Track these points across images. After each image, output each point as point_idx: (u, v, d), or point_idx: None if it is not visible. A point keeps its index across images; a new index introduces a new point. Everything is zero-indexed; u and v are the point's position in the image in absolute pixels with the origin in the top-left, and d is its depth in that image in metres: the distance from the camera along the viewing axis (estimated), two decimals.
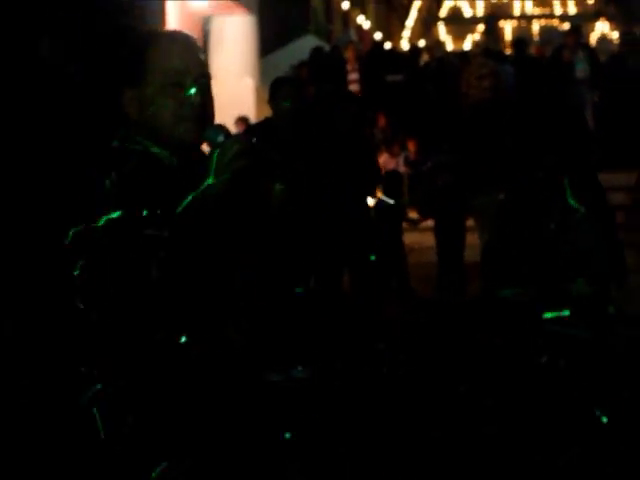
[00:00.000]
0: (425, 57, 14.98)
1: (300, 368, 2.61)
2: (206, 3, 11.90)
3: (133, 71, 2.31)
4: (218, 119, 2.44)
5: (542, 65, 13.24)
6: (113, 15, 9.71)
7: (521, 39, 15.33)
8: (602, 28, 26.66)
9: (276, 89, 6.12)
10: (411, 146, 10.24)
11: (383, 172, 10.12)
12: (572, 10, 27.66)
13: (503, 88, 6.95)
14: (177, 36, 2.37)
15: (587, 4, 27.32)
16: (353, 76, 13.50)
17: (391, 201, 7.89)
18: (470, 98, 6.49)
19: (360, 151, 6.48)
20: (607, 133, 11.34)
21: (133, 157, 2.25)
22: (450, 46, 26.49)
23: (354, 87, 12.99)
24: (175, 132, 2.29)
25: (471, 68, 6.70)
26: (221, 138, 2.28)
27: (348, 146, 6.36)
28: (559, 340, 3.82)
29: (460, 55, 15.09)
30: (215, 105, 2.41)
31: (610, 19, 26.13)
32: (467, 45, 28.27)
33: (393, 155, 10.39)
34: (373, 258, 6.44)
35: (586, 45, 14.40)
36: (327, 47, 15.43)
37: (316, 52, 14.02)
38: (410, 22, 28.85)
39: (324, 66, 13.55)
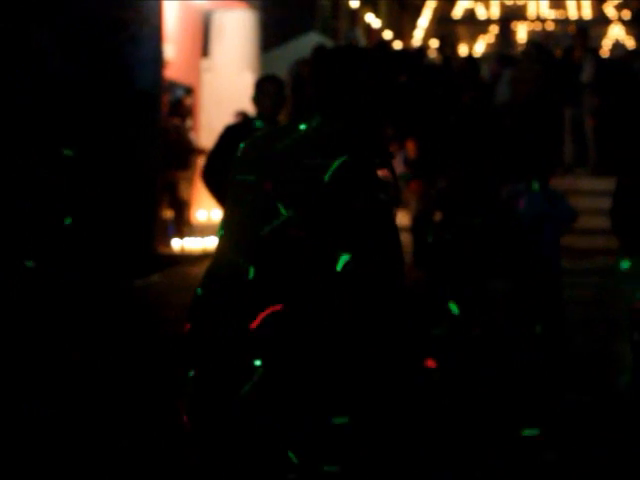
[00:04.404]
0: (435, 57, 15.35)
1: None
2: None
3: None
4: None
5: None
6: (111, 11, 10.32)
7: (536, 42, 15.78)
8: (617, 33, 27.24)
9: (260, 86, 6.31)
10: (410, 146, 10.73)
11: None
12: (587, 14, 28.14)
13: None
14: None
15: (602, 8, 27.79)
16: None
17: None
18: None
19: None
20: (606, 138, 11.93)
21: None
22: (463, 47, 27.02)
23: None
24: None
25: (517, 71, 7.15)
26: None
27: None
28: None
29: (467, 58, 15.64)
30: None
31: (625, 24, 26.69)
32: (480, 47, 28.83)
33: None
34: None
35: (593, 49, 14.95)
36: (331, 45, 15.95)
37: (318, 50, 14.56)
38: (423, 22, 29.34)
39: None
